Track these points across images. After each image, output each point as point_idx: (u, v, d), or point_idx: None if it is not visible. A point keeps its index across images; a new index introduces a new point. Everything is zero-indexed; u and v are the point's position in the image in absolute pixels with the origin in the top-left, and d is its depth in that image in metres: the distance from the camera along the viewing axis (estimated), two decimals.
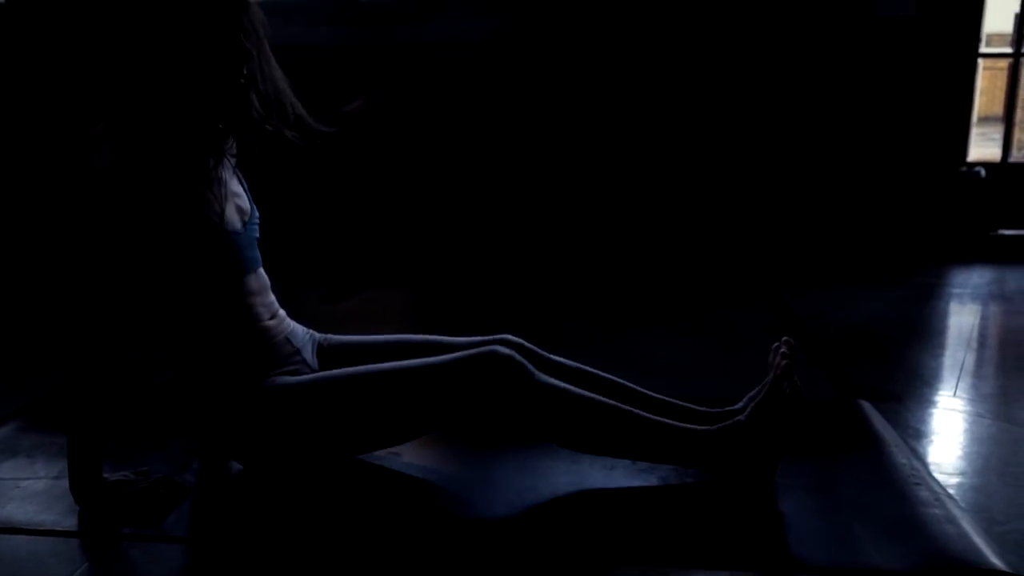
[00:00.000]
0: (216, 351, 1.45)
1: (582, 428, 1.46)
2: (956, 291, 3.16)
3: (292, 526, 1.42)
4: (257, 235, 1.53)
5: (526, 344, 1.60)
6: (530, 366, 1.44)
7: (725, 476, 1.50)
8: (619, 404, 1.47)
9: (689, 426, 1.49)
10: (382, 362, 1.49)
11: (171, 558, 1.35)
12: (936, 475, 1.60)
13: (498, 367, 1.41)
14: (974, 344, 2.51)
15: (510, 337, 1.59)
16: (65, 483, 1.56)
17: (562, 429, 1.46)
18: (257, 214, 1.53)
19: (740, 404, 1.58)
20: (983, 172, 3.61)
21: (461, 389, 1.42)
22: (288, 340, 1.53)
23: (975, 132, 3.77)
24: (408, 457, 1.61)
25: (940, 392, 2.11)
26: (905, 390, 2.11)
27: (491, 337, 1.58)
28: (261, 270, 1.53)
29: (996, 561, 1.27)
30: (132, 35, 1.34)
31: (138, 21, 1.33)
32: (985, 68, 3.77)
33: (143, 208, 1.35)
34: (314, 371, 1.54)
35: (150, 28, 1.32)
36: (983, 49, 3.65)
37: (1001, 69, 4.14)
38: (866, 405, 1.88)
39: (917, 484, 1.50)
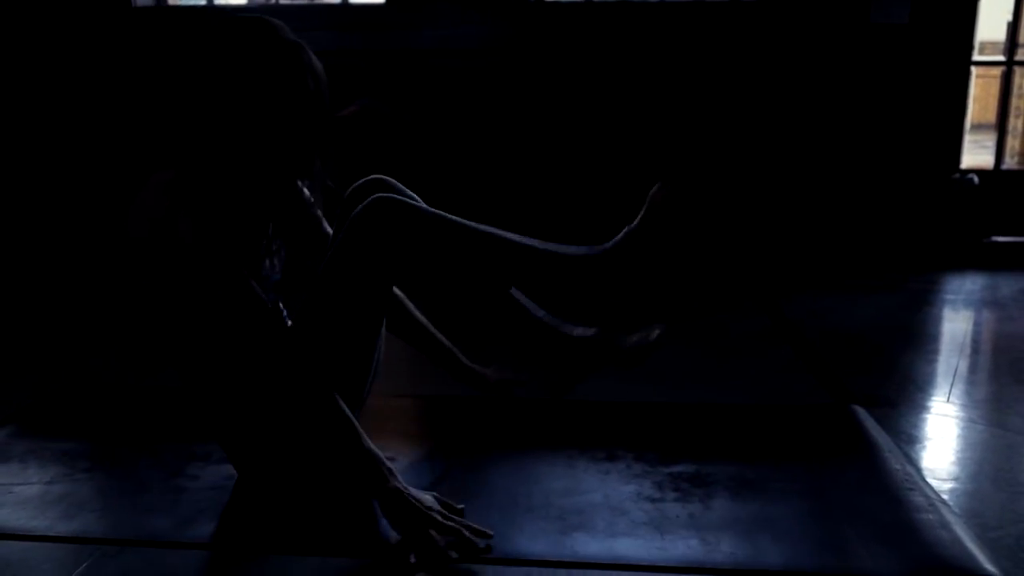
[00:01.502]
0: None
1: (464, 251, 1.49)
2: (950, 297, 3.17)
3: (287, 530, 1.42)
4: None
5: (396, 184, 1.65)
6: (408, 200, 1.48)
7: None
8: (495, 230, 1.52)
9: (565, 249, 1.54)
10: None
11: (166, 563, 1.34)
12: (929, 480, 1.60)
13: (384, 210, 1.43)
14: (967, 350, 2.51)
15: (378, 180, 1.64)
16: (58, 488, 1.56)
17: (449, 256, 1.49)
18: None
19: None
20: (976, 179, 3.63)
21: (369, 253, 1.44)
22: None
23: (968, 139, 3.79)
24: (402, 461, 1.61)
25: (934, 398, 2.12)
26: (899, 396, 2.11)
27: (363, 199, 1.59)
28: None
29: (989, 567, 1.27)
30: (217, 101, 1.37)
31: (223, 89, 1.36)
32: (978, 76, 3.78)
33: (196, 262, 1.35)
34: None
35: (237, 96, 1.36)
36: (976, 57, 3.67)
37: (994, 77, 4.17)
38: (860, 410, 1.89)
39: (910, 489, 1.51)
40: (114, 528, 1.43)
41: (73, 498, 1.52)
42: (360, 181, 1.67)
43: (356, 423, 1.37)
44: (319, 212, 1.64)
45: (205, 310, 1.36)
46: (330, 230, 1.66)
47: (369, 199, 1.46)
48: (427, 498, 1.38)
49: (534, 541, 1.38)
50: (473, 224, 1.52)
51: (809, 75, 3.61)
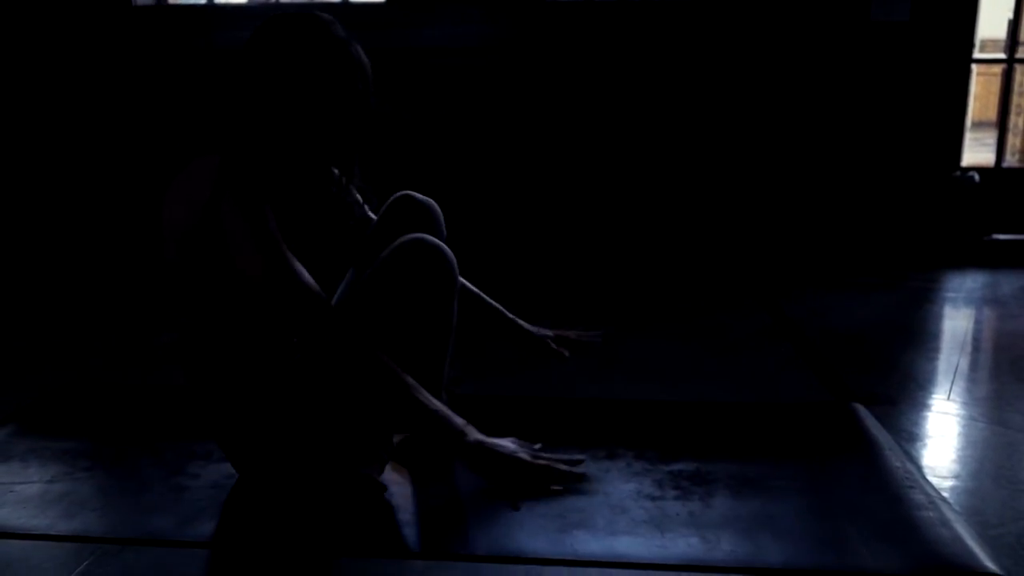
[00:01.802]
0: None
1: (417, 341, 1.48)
2: (950, 295, 3.17)
3: (288, 529, 1.42)
4: None
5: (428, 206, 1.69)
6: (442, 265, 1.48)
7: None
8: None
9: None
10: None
11: (166, 562, 1.35)
12: (930, 478, 1.60)
13: (424, 267, 1.45)
14: (968, 348, 2.51)
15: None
16: (59, 487, 1.56)
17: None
18: None
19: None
20: (977, 177, 3.62)
21: (399, 294, 1.45)
22: None
23: (969, 137, 3.78)
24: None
25: (934, 396, 2.11)
26: (899, 393, 2.11)
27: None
28: None
29: (990, 564, 1.27)
30: (269, 91, 1.39)
31: (275, 79, 1.38)
32: (979, 74, 3.78)
33: (238, 246, 1.35)
34: None
35: (289, 87, 1.38)
36: (977, 55, 3.66)
37: (995, 75, 4.15)
38: (860, 408, 1.89)
39: (911, 487, 1.51)
40: (115, 527, 1.43)
41: (74, 497, 1.52)
42: (403, 197, 1.70)
43: (421, 389, 1.38)
44: (359, 199, 1.66)
45: (248, 292, 1.37)
46: (372, 215, 1.69)
47: (420, 244, 1.47)
48: (507, 444, 1.39)
49: (534, 539, 1.38)
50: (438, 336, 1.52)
51: (809, 72, 3.60)
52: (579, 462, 1.41)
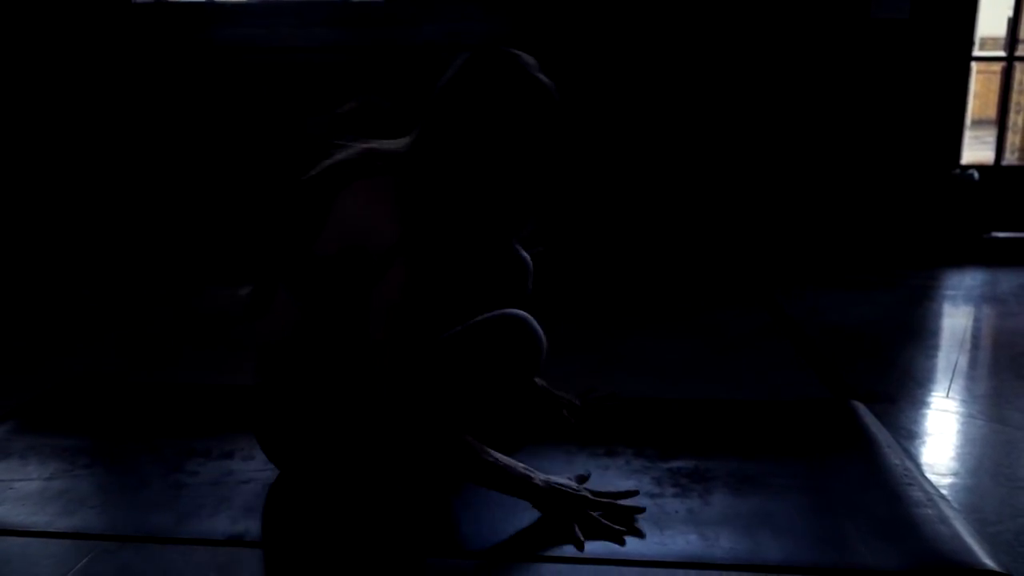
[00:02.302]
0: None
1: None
2: (949, 293, 3.17)
3: (289, 527, 1.42)
4: None
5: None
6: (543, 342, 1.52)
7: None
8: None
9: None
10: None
11: (165, 559, 1.35)
12: (929, 476, 1.60)
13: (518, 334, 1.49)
14: (967, 345, 2.51)
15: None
16: (58, 484, 1.56)
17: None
18: None
19: None
20: (976, 175, 3.62)
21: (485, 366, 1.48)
22: None
23: (968, 135, 3.78)
24: None
25: (933, 393, 2.11)
26: (898, 391, 2.11)
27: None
28: None
29: (988, 561, 1.27)
30: (476, 130, 1.42)
31: (483, 120, 1.42)
32: (979, 71, 3.77)
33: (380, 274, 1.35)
34: None
35: (495, 128, 1.41)
36: (976, 52, 3.66)
37: (995, 72, 4.15)
38: (859, 406, 1.89)
39: (910, 484, 1.51)
40: (114, 524, 1.43)
41: (73, 494, 1.52)
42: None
43: (484, 448, 1.40)
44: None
45: (365, 319, 1.37)
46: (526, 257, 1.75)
47: (521, 326, 1.49)
48: (567, 482, 1.43)
49: (534, 536, 1.38)
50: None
51: (809, 70, 3.60)
52: (633, 494, 1.45)
